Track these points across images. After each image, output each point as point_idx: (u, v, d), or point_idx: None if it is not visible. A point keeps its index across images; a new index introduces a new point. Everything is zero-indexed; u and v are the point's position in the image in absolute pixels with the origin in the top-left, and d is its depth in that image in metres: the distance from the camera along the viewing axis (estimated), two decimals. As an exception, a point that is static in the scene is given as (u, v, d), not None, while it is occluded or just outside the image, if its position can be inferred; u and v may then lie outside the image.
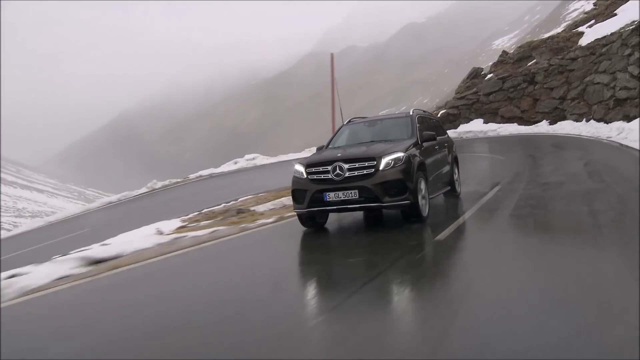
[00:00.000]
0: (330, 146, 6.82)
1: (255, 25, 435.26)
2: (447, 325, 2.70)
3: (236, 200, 10.27)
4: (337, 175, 5.55)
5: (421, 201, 5.71)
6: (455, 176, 7.84)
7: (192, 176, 19.45)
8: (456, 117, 21.94)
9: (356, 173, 5.51)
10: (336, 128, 8.94)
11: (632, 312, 2.63)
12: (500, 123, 20.30)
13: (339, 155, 5.75)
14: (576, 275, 3.36)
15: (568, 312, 2.74)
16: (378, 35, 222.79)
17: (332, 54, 14.99)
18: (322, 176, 5.65)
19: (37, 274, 5.05)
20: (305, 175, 5.78)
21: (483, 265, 3.85)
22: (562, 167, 9.33)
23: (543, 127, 18.98)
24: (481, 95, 21.57)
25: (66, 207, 74.86)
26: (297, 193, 5.85)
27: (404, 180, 5.45)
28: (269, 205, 8.85)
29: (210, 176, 18.75)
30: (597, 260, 3.70)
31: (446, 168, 7.31)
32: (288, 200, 8.57)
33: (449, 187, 7.48)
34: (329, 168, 5.61)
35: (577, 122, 17.83)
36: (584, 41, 20.60)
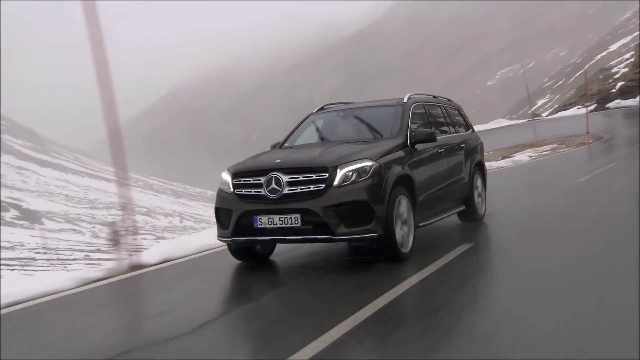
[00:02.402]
0: (286, 144, 6.61)
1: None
2: None
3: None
4: (273, 191, 5.09)
5: (400, 232, 5.24)
6: (478, 191, 7.45)
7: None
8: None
9: (299, 189, 5.07)
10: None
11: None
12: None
13: (278, 161, 5.36)
14: None
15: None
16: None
17: (584, 71, 22.22)
18: (252, 191, 5.23)
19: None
20: (231, 189, 5.40)
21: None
22: None
23: None
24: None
25: (140, 197, 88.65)
26: (221, 213, 5.50)
27: (367, 203, 5.00)
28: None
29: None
30: None
31: (459, 180, 6.93)
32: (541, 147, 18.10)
33: (464, 207, 7.09)
34: (262, 180, 5.17)
35: None
36: None
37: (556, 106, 53.05)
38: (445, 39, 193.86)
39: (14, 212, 67.11)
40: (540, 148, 20.03)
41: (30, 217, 64.95)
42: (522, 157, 17.82)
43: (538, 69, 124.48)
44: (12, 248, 37.88)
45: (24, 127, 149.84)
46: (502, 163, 16.78)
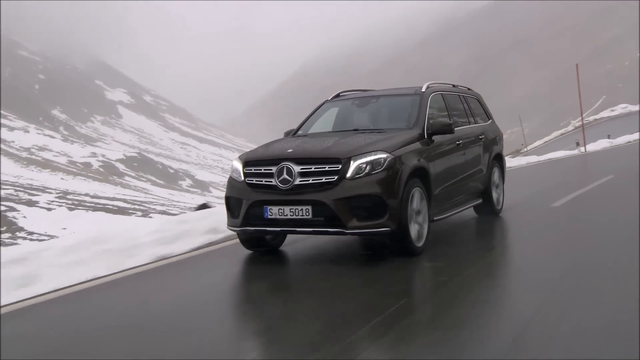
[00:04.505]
0: (299, 132, 6.59)
1: None
2: None
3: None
4: (284, 181, 5.10)
5: (414, 226, 5.25)
6: (496, 184, 7.51)
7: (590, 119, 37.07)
8: None
9: (311, 180, 5.06)
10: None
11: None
12: None
13: (290, 151, 5.34)
14: None
15: None
16: None
17: (576, 65, 19.06)
18: (263, 181, 5.26)
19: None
20: (242, 178, 5.43)
21: None
22: None
23: None
24: None
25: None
26: (232, 202, 5.55)
27: (380, 196, 4.99)
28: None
29: (609, 118, 36.25)
30: None
31: (477, 173, 6.98)
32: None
33: (480, 200, 7.14)
34: (273, 170, 5.19)
35: None
36: None
37: None
38: (589, 5, 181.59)
39: (188, 181, 78.52)
40: None
41: (201, 186, 76.13)
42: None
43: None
44: (203, 210, 46.94)
45: (179, 107, 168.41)
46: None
